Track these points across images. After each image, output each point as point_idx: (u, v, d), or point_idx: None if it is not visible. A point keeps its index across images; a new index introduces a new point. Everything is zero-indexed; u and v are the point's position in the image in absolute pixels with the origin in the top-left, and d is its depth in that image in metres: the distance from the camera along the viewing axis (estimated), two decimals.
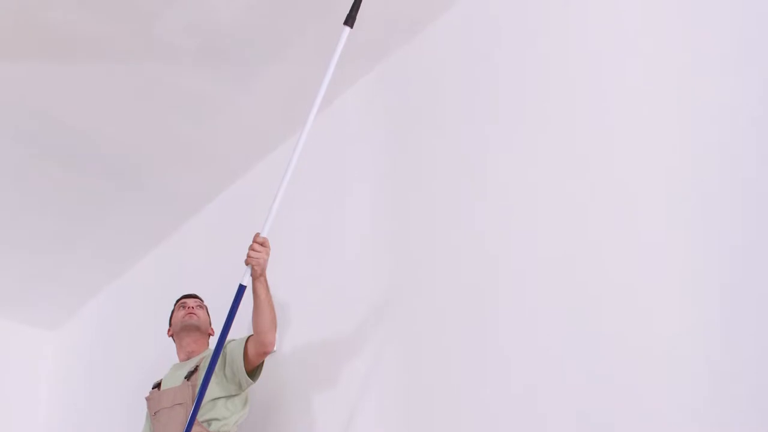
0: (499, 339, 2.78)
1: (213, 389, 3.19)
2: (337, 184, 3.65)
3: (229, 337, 2.90)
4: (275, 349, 3.23)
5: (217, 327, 3.20)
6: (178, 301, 3.68)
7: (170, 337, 3.65)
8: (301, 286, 3.60)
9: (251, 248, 2.92)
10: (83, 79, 3.63)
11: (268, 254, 2.95)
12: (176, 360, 3.59)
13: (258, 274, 2.97)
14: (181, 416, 3.24)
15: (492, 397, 2.75)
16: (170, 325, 3.65)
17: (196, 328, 3.55)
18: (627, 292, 2.46)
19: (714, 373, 2.23)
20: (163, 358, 3.76)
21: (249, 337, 3.20)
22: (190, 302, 3.63)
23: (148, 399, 3.47)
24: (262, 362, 3.24)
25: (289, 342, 3.58)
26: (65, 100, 3.76)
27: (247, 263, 2.93)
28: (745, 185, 2.29)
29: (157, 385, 3.49)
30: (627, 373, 2.41)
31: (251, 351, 3.18)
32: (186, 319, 3.55)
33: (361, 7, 2.91)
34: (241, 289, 2.86)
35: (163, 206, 4.45)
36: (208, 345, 3.58)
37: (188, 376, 3.35)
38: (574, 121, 2.77)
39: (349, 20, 2.90)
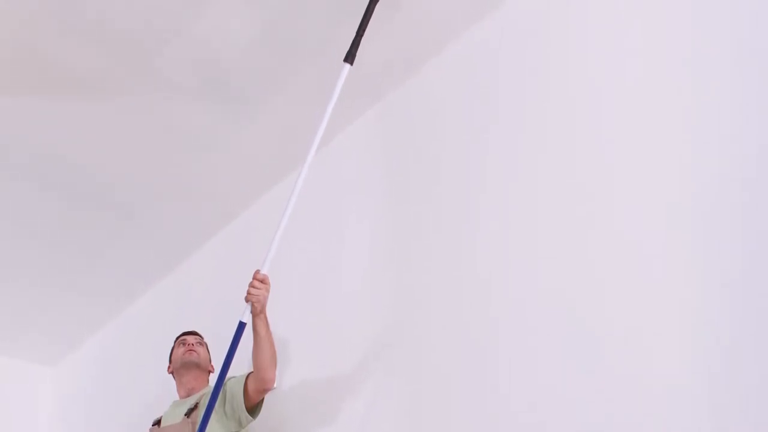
0: (499, 375, 2.77)
1: (213, 426, 3.17)
2: (337, 221, 3.65)
3: (229, 373, 2.90)
4: (275, 386, 3.21)
5: (217, 364, 3.19)
6: (178, 338, 3.68)
7: (170, 374, 3.63)
8: (301, 323, 3.59)
9: (251, 285, 2.92)
10: (83, 114, 3.64)
11: (268, 291, 2.95)
12: (176, 397, 3.58)
13: (258, 311, 2.97)
14: None
15: None
16: (170, 362, 3.64)
17: (196, 365, 3.54)
18: (627, 325, 2.45)
19: (715, 407, 2.22)
20: (163, 395, 3.75)
21: (249, 374, 3.19)
22: (190, 339, 3.62)
23: None
24: (262, 399, 3.23)
25: (289, 379, 3.56)
26: (65, 136, 3.76)
27: (247, 300, 2.92)
28: (745, 219, 2.29)
29: (157, 422, 3.47)
30: (628, 409, 2.40)
31: (251, 388, 3.17)
32: (186, 356, 3.55)
33: (360, 44, 2.94)
34: (241, 326, 2.85)
35: (162, 243, 4.45)
36: (208, 382, 3.57)
37: (188, 413, 3.33)
38: (575, 156, 2.78)
39: (349, 57, 2.93)
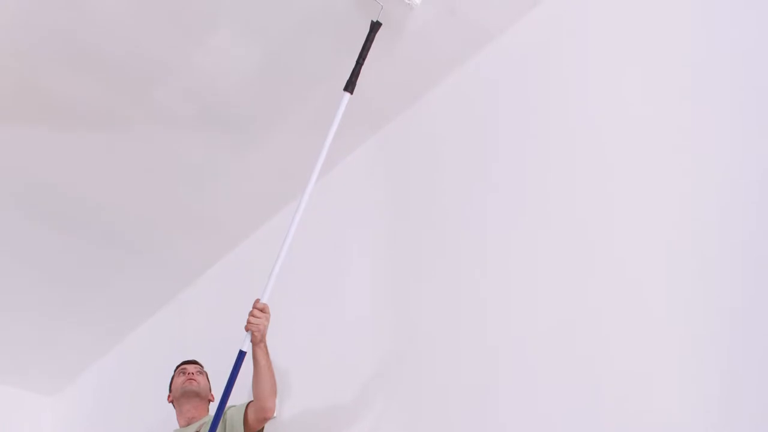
0: (499, 407, 2.76)
1: None
2: (337, 250, 3.65)
3: (229, 402, 2.89)
4: (275, 415, 3.20)
5: (217, 393, 3.18)
6: (178, 367, 3.67)
7: (170, 403, 3.63)
8: (301, 352, 3.58)
9: (251, 314, 2.92)
10: (83, 145, 3.65)
11: (268, 320, 2.94)
12: (176, 426, 3.57)
13: (258, 340, 2.96)
14: None
15: None
16: (170, 391, 3.63)
17: (196, 394, 3.53)
18: (627, 364, 2.43)
19: None
20: (163, 424, 3.74)
21: (249, 403, 3.19)
22: (190, 368, 3.62)
23: None
24: (263, 428, 3.22)
25: (289, 408, 3.55)
26: (65, 167, 3.78)
27: (247, 329, 2.92)
28: (745, 256, 2.28)
29: None
30: None
31: (251, 417, 3.16)
32: (186, 385, 3.54)
33: (360, 73, 2.95)
34: (241, 355, 2.84)
35: (162, 272, 4.45)
36: (208, 411, 3.56)
37: None
38: (575, 187, 2.77)
39: (349, 86, 2.94)
